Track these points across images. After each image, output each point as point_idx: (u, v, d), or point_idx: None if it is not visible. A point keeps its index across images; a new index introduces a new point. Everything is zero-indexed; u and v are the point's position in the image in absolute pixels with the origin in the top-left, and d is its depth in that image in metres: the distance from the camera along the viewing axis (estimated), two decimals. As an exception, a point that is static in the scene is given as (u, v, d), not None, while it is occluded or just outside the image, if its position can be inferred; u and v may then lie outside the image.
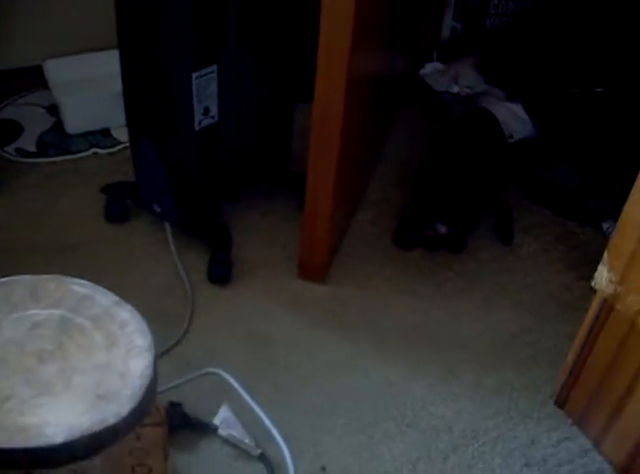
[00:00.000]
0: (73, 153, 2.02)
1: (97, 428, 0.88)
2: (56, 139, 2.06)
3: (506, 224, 1.81)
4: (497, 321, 1.59)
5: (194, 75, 1.43)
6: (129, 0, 1.41)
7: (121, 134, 2.04)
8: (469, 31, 2.38)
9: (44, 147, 2.03)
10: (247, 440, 1.31)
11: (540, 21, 2.21)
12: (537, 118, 2.08)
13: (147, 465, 1.07)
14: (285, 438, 1.27)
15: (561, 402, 1.42)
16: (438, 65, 2.35)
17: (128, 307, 1.02)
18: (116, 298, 1.04)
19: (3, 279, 1.06)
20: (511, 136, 2.05)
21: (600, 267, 1.22)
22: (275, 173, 1.84)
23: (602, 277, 1.22)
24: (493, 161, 1.82)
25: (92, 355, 0.97)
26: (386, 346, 1.53)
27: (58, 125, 2.11)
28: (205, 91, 1.46)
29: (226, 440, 1.33)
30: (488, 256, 1.75)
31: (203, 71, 1.44)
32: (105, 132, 2.08)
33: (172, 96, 1.45)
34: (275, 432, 1.26)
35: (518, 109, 2.10)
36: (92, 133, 2.08)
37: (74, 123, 2.07)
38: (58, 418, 0.90)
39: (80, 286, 1.06)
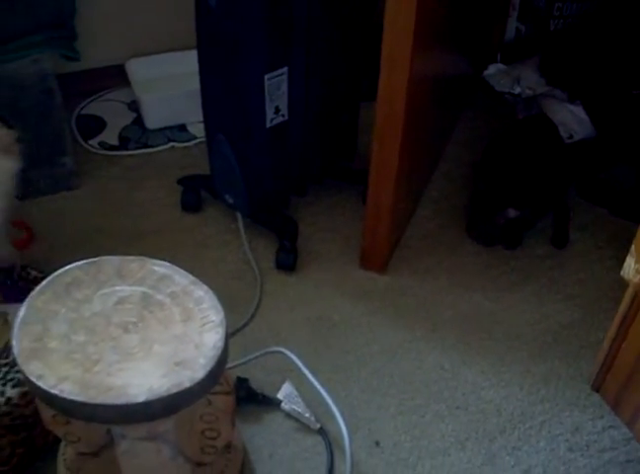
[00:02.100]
0: (152, 147, 2.12)
1: (174, 390, 0.98)
2: (136, 134, 2.17)
3: (562, 224, 1.85)
4: (547, 314, 1.64)
5: (266, 77, 1.52)
6: (208, 6, 1.48)
7: (197, 130, 2.14)
8: (533, 32, 2.40)
9: (125, 141, 2.14)
10: (307, 415, 1.40)
11: (602, 23, 2.23)
12: (597, 118, 2.11)
13: (216, 430, 1.16)
14: (343, 415, 1.35)
15: (597, 386, 1.47)
16: (501, 66, 2.40)
17: (204, 287, 1.12)
18: (192, 278, 1.13)
19: (93, 259, 1.16)
20: (570, 137, 2.09)
21: (628, 258, 1.27)
22: (340, 169, 1.92)
23: (630, 268, 1.27)
24: (552, 161, 1.87)
25: (170, 328, 1.07)
26: (440, 333, 1.60)
27: (138, 121, 2.21)
28: (277, 91, 1.55)
29: (288, 414, 1.42)
30: (542, 252, 1.80)
31: (275, 73, 1.53)
32: (182, 127, 2.18)
33: (246, 95, 1.54)
34: (334, 408, 1.34)
35: (578, 110, 2.13)
36: (170, 128, 2.17)
37: (153, 119, 2.17)
38: (140, 380, 1.00)
39: (160, 267, 1.15)
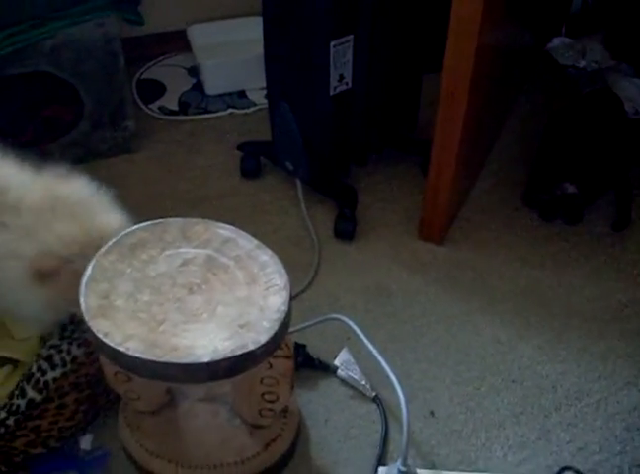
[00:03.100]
0: (211, 112, 2.13)
1: (238, 352, 0.99)
2: (196, 99, 2.18)
3: (624, 205, 1.81)
4: (606, 292, 1.62)
5: (332, 44, 1.51)
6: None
7: (256, 96, 2.16)
8: (600, 5, 2.36)
9: (185, 106, 2.15)
10: (363, 382, 1.41)
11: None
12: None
13: (275, 393, 1.18)
14: (400, 383, 1.34)
15: None
16: (565, 39, 2.35)
17: (268, 251, 1.12)
18: (256, 242, 1.14)
19: (158, 221, 1.17)
20: (636, 112, 2.05)
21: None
22: (401, 139, 1.90)
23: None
24: (616, 137, 1.84)
25: (234, 291, 1.08)
26: (497, 307, 1.59)
27: (198, 86, 2.22)
28: (342, 59, 1.55)
29: (344, 381, 1.43)
30: (603, 230, 1.77)
31: (341, 40, 1.52)
32: (241, 94, 2.19)
33: (311, 62, 1.54)
34: (392, 376, 1.33)
35: (645, 85, 2.10)
36: (229, 94, 2.18)
37: (213, 85, 2.18)
38: (205, 341, 1.01)
39: (224, 230, 1.16)
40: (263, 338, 1.02)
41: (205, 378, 1.03)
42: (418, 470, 1.25)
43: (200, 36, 2.25)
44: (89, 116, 1.86)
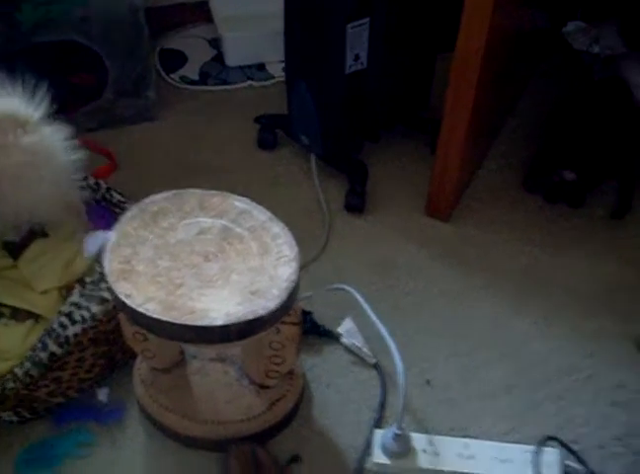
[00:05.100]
0: (231, 84, 2.18)
1: (249, 317, 1.07)
2: (216, 70, 2.23)
3: (625, 194, 1.84)
4: (602, 273, 1.68)
5: (348, 26, 1.57)
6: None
7: (275, 69, 2.21)
8: (615, -10, 2.38)
9: (205, 76, 2.21)
10: (365, 350, 1.48)
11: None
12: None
13: (282, 357, 1.25)
14: (399, 352, 1.39)
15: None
16: (580, 24, 2.38)
17: (280, 224, 1.19)
18: (269, 214, 1.21)
19: (178, 191, 1.24)
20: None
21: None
22: (413, 117, 1.96)
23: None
24: (620, 126, 1.87)
25: (247, 260, 1.15)
26: (497, 284, 1.65)
27: (218, 57, 2.27)
28: (358, 40, 1.60)
29: (347, 348, 1.51)
30: (604, 213, 1.82)
31: (357, 23, 1.58)
32: (260, 67, 2.23)
33: (328, 43, 1.60)
34: (391, 345, 1.38)
35: (657, 74, 2.12)
36: (249, 67, 2.23)
37: (234, 57, 2.23)
38: (219, 306, 1.08)
39: (240, 202, 1.23)
40: (272, 305, 1.09)
41: (218, 340, 1.11)
42: (412, 434, 1.33)
43: (223, 7, 2.28)
44: (113, 84, 1.93)
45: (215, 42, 2.33)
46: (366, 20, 1.59)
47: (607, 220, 1.81)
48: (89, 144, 1.70)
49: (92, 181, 1.56)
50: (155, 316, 1.07)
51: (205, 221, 1.21)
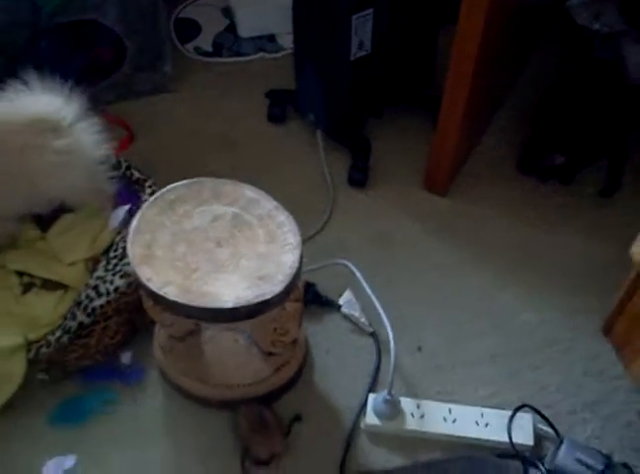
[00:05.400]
0: (243, 55, 2.24)
1: (257, 300, 1.19)
2: (229, 41, 2.28)
3: (614, 174, 1.89)
4: (592, 251, 1.75)
5: (354, 17, 1.65)
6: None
7: (285, 41, 2.25)
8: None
9: (219, 48, 2.26)
10: (363, 320, 1.60)
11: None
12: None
13: (286, 329, 1.38)
14: (392, 321, 1.51)
15: (606, 331, 1.60)
16: (583, -2, 2.42)
17: (286, 212, 1.30)
18: (276, 203, 1.31)
19: (194, 180, 1.35)
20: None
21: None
22: (417, 94, 2.02)
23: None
24: (614, 105, 1.92)
25: (256, 246, 1.26)
26: (489, 258, 1.74)
27: (231, 28, 2.31)
28: (362, 29, 1.69)
29: (346, 317, 1.62)
30: (594, 191, 1.88)
31: (362, 13, 1.66)
32: (271, 38, 2.28)
33: (334, 32, 1.68)
34: (384, 315, 1.51)
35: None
36: (260, 38, 2.27)
37: (246, 27, 2.27)
38: (229, 290, 1.20)
39: (250, 191, 1.33)
40: (277, 289, 1.21)
41: (229, 320, 1.24)
42: (401, 398, 1.47)
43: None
44: (131, 59, 2.02)
45: (227, 12, 2.36)
46: (370, 11, 1.68)
47: (597, 198, 1.88)
48: (108, 117, 1.81)
49: (113, 159, 1.67)
50: (172, 298, 1.19)
51: (219, 208, 1.31)
